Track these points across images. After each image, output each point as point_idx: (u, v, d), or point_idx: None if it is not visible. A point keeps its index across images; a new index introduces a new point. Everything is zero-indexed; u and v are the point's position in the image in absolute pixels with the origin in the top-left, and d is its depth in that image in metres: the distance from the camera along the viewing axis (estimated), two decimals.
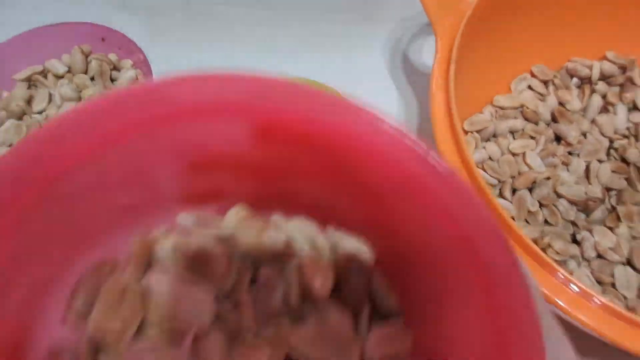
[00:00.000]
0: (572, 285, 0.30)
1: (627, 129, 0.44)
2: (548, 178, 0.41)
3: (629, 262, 0.37)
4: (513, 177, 0.41)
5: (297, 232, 0.22)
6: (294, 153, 0.21)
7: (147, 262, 0.20)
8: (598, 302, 0.29)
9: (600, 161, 0.42)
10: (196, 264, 0.20)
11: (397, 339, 0.20)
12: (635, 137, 0.43)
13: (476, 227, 0.17)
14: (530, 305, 0.16)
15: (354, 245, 0.22)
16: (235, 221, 0.22)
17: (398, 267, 0.21)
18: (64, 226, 0.19)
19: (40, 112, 0.46)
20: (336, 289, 0.21)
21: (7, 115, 0.44)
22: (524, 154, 0.42)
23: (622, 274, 0.36)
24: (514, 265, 0.16)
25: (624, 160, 0.42)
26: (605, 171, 0.41)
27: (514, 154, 0.42)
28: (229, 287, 0.20)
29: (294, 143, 0.20)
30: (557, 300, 0.29)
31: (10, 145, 0.43)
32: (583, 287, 0.29)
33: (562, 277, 0.30)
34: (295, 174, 0.22)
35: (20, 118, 0.45)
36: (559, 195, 0.40)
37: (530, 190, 0.41)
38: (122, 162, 0.19)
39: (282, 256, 0.21)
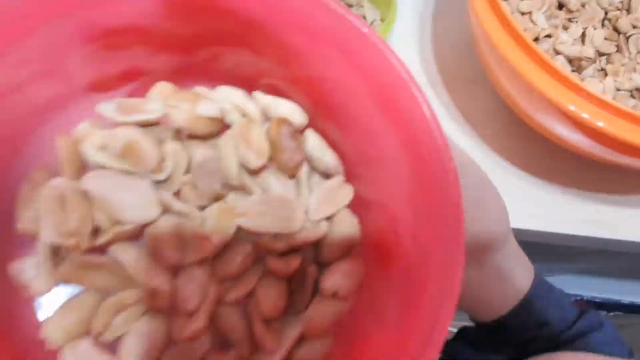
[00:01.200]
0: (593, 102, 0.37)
1: (621, 2, 0.49)
2: (549, 36, 0.47)
3: None
4: None
5: (225, 101, 0.22)
6: (206, 21, 0.20)
7: (79, 163, 0.20)
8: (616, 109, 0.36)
9: (595, 28, 0.48)
10: (127, 159, 0.19)
11: (338, 195, 0.21)
12: (627, 10, 0.49)
13: (386, 76, 0.18)
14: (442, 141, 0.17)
15: (285, 108, 0.22)
16: (161, 99, 0.22)
17: (331, 127, 0.22)
18: None
19: None
20: (274, 155, 0.21)
21: None
22: (530, 12, 0.48)
23: None
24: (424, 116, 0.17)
25: (615, 29, 0.48)
26: (598, 37, 0.47)
27: (522, 13, 0.48)
28: (166, 176, 0.20)
29: (204, 11, 0.20)
30: (582, 114, 0.36)
31: None
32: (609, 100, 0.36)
33: (587, 95, 0.36)
34: (213, 40, 0.21)
35: None
36: (557, 52, 0.46)
37: None
38: (36, 52, 0.19)
39: (216, 129, 0.21)
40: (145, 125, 0.21)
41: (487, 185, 0.26)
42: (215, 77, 0.23)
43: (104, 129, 0.21)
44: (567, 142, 0.43)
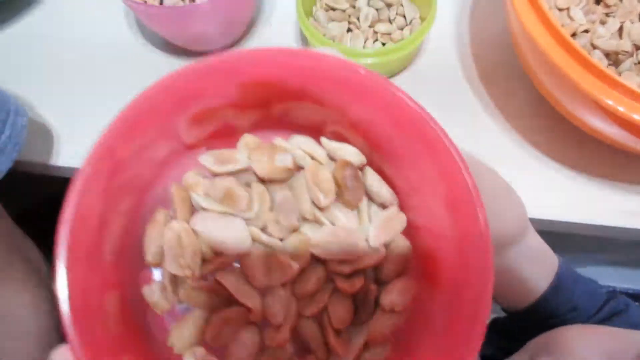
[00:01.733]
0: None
1: None
2: (587, 31, 0.47)
3: None
4: None
5: (298, 148, 0.27)
6: (276, 89, 0.25)
7: (189, 205, 0.26)
8: None
9: (632, 22, 0.48)
10: (226, 203, 0.25)
11: (393, 223, 0.25)
12: None
13: (414, 122, 0.22)
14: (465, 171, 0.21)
15: (347, 151, 0.26)
16: (247, 151, 0.27)
17: (386, 164, 0.26)
18: (130, 182, 0.24)
19: None
20: (339, 192, 0.26)
21: None
22: (568, 8, 0.48)
23: None
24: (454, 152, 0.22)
25: None
26: (636, 30, 0.47)
27: (560, 9, 0.49)
28: (254, 214, 0.25)
29: (273, 84, 0.25)
30: (618, 107, 0.38)
31: None
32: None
33: (623, 88, 0.38)
34: (283, 100, 0.26)
35: None
36: (595, 47, 0.47)
37: None
38: (156, 125, 0.24)
39: (291, 174, 0.26)
40: (236, 172, 0.27)
41: (503, 192, 0.30)
42: (289, 127, 0.28)
43: (206, 177, 0.26)
44: (605, 135, 0.43)
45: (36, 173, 0.55)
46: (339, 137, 0.27)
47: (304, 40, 0.58)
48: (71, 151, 0.54)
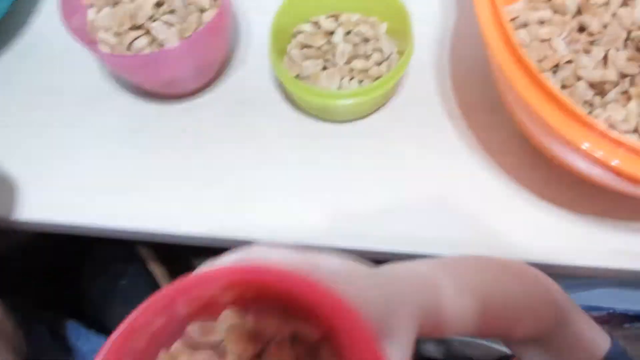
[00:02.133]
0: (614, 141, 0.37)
1: None
2: (570, 62, 0.46)
3: (635, 131, 0.43)
4: (540, 61, 0.47)
5: (269, 325, 0.33)
6: (251, 290, 0.32)
7: None
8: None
9: (617, 49, 0.46)
10: None
11: None
12: None
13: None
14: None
15: (305, 326, 0.32)
16: (226, 325, 0.33)
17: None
18: (130, 351, 0.30)
19: (132, 1, 0.54)
20: None
21: (104, 3, 0.54)
22: (550, 39, 0.48)
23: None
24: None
25: (638, 49, 0.46)
26: (621, 58, 0.46)
27: (541, 40, 0.48)
28: None
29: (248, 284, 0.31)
30: (598, 153, 0.37)
31: (107, 30, 0.53)
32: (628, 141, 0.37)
33: (600, 132, 0.37)
34: (257, 295, 0.32)
35: (115, 5, 0.54)
36: (579, 78, 0.46)
37: (555, 73, 0.47)
38: (159, 313, 0.31)
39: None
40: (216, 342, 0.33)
41: (535, 286, 0.33)
42: (261, 303, 0.34)
43: (191, 345, 0.33)
44: (586, 175, 0.42)
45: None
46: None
47: (279, 79, 0.56)
48: (38, 203, 0.52)
